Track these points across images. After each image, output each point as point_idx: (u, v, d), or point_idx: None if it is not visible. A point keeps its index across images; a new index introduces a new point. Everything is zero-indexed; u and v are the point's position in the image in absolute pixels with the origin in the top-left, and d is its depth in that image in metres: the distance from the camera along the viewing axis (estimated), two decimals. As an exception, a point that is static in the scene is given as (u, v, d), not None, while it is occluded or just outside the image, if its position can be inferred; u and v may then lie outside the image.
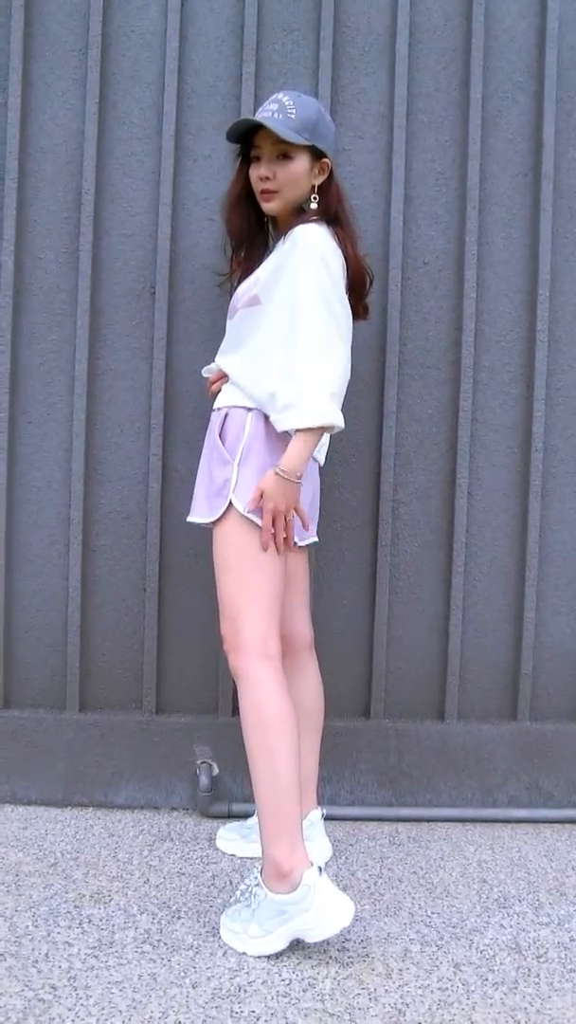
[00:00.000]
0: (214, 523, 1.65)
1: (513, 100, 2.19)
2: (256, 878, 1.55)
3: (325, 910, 1.47)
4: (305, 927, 1.48)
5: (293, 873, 1.48)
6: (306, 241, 1.59)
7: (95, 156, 2.13)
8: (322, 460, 1.81)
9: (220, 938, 1.55)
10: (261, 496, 1.57)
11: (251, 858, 1.89)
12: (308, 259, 1.58)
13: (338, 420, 1.56)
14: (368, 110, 2.18)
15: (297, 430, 1.55)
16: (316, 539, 1.87)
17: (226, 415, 1.68)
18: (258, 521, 1.59)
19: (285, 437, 1.62)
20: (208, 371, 1.87)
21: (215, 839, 1.98)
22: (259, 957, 1.50)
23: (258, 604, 1.61)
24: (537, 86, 2.19)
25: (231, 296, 1.78)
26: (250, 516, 1.59)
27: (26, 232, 2.16)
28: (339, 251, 1.64)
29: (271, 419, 1.62)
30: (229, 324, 1.75)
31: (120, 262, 2.17)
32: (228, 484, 1.62)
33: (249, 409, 1.65)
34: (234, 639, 1.61)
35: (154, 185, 2.16)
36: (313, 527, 1.84)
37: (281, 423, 1.58)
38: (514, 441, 2.23)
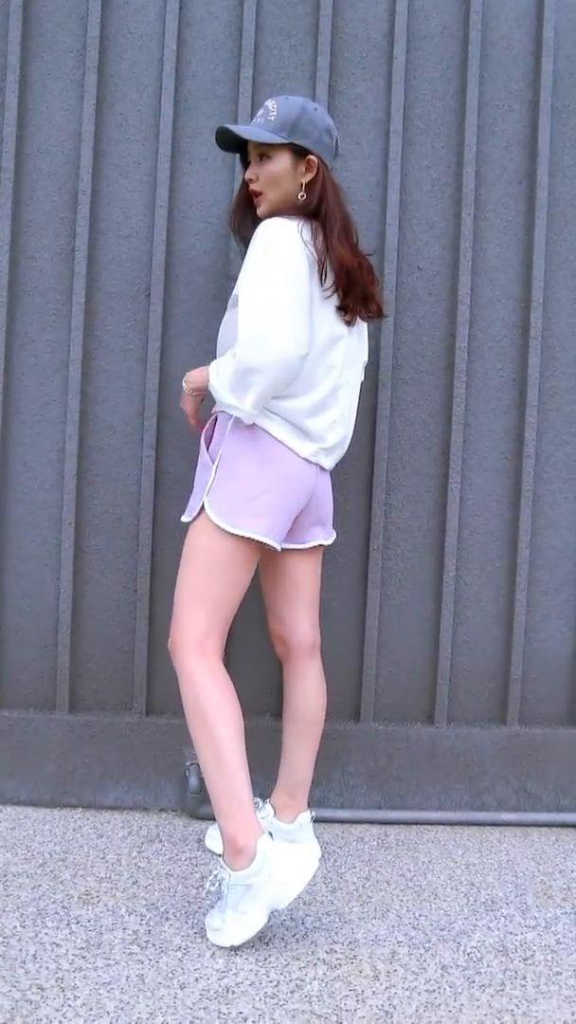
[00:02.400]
0: (191, 522, 1.68)
1: (509, 108, 2.21)
2: (219, 863, 1.58)
3: (286, 872, 1.52)
4: (273, 894, 1.52)
5: (248, 846, 1.52)
6: (263, 234, 1.59)
7: (92, 157, 2.14)
8: (329, 465, 1.79)
9: (208, 941, 1.55)
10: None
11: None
12: (253, 251, 1.59)
13: (221, 397, 1.61)
14: (365, 116, 2.19)
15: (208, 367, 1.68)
16: (324, 542, 1.86)
17: (215, 419, 1.71)
18: (229, 528, 1.61)
19: (266, 442, 1.64)
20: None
21: (203, 840, 1.98)
22: (247, 956, 1.50)
23: (204, 606, 1.64)
24: (533, 94, 2.21)
25: None
26: (219, 522, 1.60)
27: (22, 232, 2.16)
28: (303, 242, 1.59)
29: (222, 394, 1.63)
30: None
31: (115, 264, 2.17)
32: (205, 486, 1.65)
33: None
34: (175, 634, 1.64)
35: (151, 187, 2.17)
36: (320, 531, 1.84)
37: (219, 405, 1.65)
38: (506, 446, 2.24)
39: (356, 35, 2.18)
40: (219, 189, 2.16)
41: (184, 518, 1.70)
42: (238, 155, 1.77)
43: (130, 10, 2.16)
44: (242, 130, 1.65)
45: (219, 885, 1.57)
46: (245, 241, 1.79)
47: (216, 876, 1.58)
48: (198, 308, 2.17)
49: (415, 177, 2.20)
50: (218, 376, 1.62)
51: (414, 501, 2.23)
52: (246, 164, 1.75)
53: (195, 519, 1.67)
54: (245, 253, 1.77)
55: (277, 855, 1.54)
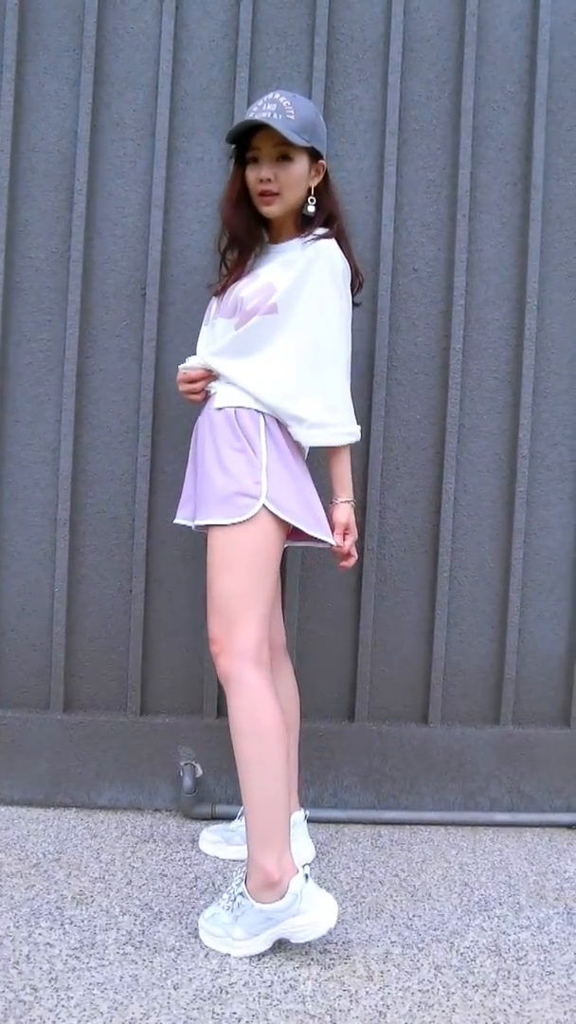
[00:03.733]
0: (232, 524, 1.59)
1: (504, 110, 2.21)
2: (240, 885, 1.54)
3: (312, 914, 1.49)
4: (292, 930, 1.49)
5: (282, 882, 1.48)
6: (331, 259, 1.65)
7: (87, 156, 2.13)
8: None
9: (200, 940, 1.56)
10: (345, 530, 1.74)
11: (234, 860, 1.89)
12: (335, 281, 1.65)
13: (354, 429, 1.73)
14: (361, 117, 2.19)
15: (335, 448, 1.72)
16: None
17: (235, 415, 1.66)
18: (298, 524, 1.63)
19: (294, 442, 1.68)
20: (189, 368, 1.78)
21: (198, 840, 1.98)
22: (242, 958, 1.50)
23: (257, 610, 1.59)
24: (528, 96, 2.21)
25: (220, 295, 1.77)
26: (280, 515, 1.60)
27: (17, 231, 2.16)
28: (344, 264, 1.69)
29: (295, 432, 1.66)
30: (225, 324, 1.71)
31: (111, 263, 2.17)
32: (259, 486, 1.59)
33: (259, 412, 1.65)
34: (227, 642, 1.58)
35: (146, 186, 2.16)
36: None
37: (312, 439, 1.68)
38: (501, 447, 2.25)
39: (352, 36, 2.18)
40: (215, 189, 2.16)
41: (210, 520, 1.61)
42: (232, 146, 1.70)
43: (127, 9, 2.15)
44: (283, 129, 1.59)
45: (235, 902, 1.53)
46: (239, 240, 1.74)
47: (233, 894, 1.54)
48: (193, 307, 2.16)
49: (410, 178, 2.21)
50: (353, 435, 1.74)
51: (408, 502, 2.23)
52: (238, 159, 1.70)
53: (238, 524, 1.59)
54: (229, 251, 1.76)
55: (308, 897, 1.49)
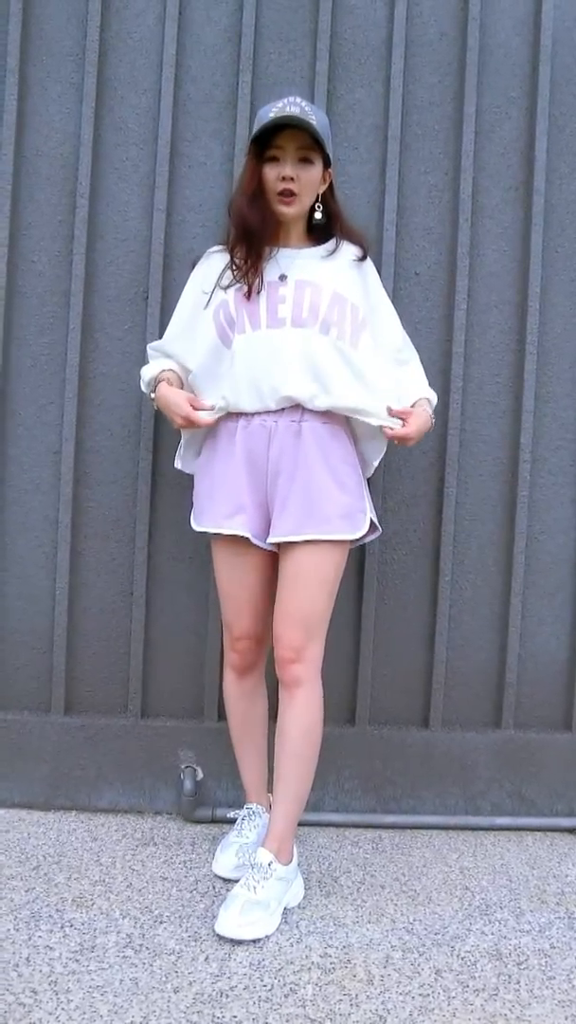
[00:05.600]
0: (348, 540, 1.72)
1: (506, 115, 2.22)
2: (267, 855, 1.66)
3: (299, 879, 1.78)
4: (292, 893, 1.72)
5: (292, 852, 1.74)
6: (376, 274, 1.87)
7: (90, 160, 2.14)
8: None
9: (218, 935, 1.57)
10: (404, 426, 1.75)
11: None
12: (378, 282, 1.87)
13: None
14: (363, 121, 2.20)
15: (427, 399, 1.86)
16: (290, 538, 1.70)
17: (341, 428, 1.76)
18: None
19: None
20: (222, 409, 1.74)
21: (197, 844, 1.98)
22: (240, 949, 1.54)
23: (327, 625, 1.74)
24: (530, 102, 2.22)
25: (248, 299, 1.70)
26: (376, 521, 1.80)
27: (20, 235, 2.17)
28: None
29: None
30: (298, 334, 1.70)
31: (113, 267, 2.18)
32: (365, 501, 1.75)
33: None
34: (305, 651, 1.69)
35: (149, 190, 2.17)
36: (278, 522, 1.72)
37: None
38: (502, 452, 2.25)
39: (355, 41, 2.19)
40: (217, 193, 2.17)
41: (332, 536, 1.67)
42: (247, 149, 1.70)
43: (130, 14, 2.16)
44: (316, 129, 1.63)
45: (267, 872, 1.64)
46: (256, 237, 1.69)
47: (262, 866, 1.65)
48: (196, 311, 2.17)
49: (412, 183, 2.21)
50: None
51: (410, 505, 2.23)
52: (258, 155, 1.68)
53: (351, 542, 1.74)
54: (247, 250, 1.72)
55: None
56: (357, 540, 1.76)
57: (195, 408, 1.75)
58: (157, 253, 2.15)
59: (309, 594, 1.68)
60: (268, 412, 1.71)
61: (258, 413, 1.71)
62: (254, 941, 1.57)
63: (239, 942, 1.56)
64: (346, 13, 2.19)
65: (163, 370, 1.84)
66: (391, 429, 1.72)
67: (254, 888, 1.62)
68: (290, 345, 1.69)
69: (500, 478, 2.25)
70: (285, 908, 1.69)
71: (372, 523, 1.76)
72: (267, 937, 1.58)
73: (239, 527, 1.72)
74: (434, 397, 1.88)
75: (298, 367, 1.68)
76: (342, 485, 1.69)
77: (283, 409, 1.70)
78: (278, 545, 1.72)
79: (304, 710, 1.69)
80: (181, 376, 1.85)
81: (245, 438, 1.72)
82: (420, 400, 1.83)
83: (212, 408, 1.75)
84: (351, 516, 1.69)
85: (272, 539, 1.71)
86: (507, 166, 2.22)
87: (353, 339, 1.73)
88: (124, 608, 2.20)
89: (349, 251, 1.80)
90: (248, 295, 1.71)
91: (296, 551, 1.68)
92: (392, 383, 1.79)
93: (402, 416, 1.75)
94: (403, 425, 1.74)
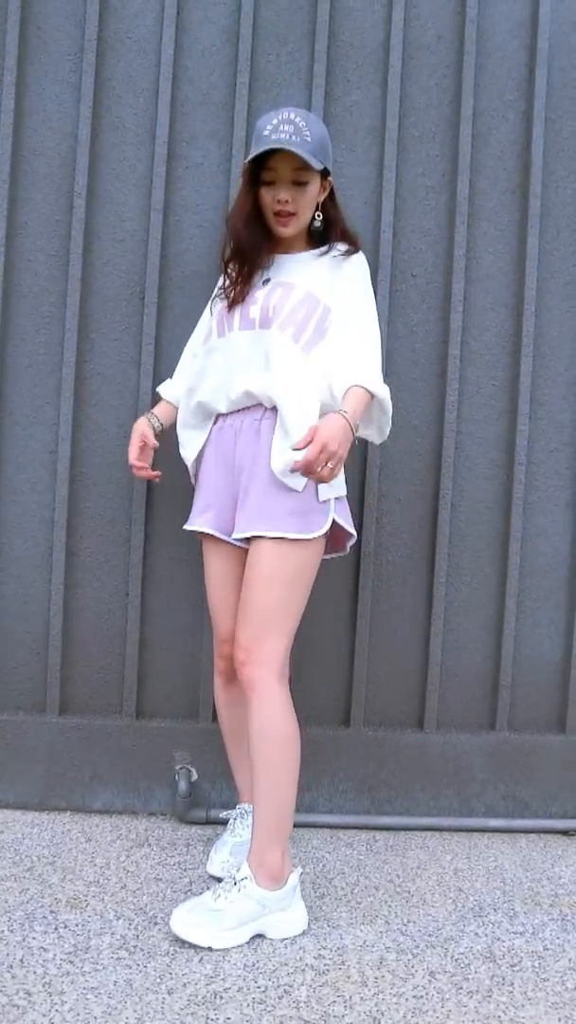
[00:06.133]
0: (300, 539, 1.64)
1: (503, 117, 2.22)
2: (244, 870, 1.60)
3: (296, 913, 1.63)
4: (275, 923, 1.59)
5: (282, 876, 1.61)
6: (358, 266, 1.75)
7: (87, 160, 2.14)
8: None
9: (173, 933, 1.55)
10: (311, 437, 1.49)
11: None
12: (361, 282, 1.74)
13: (385, 397, 1.67)
14: (360, 123, 2.20)
15: (361, 387, 1.60)
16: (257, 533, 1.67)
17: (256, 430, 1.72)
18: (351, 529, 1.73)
19: None
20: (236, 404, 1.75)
21: (192, 846, 1.98)
22: (227, 954, 1.52)
23: (290, 625, 1.67)
24: (527, 104, 2.22)
25: (230, 311, 1.75)
26: (344, 524, 1.71)
27: (17, 234, 2.16)
28: None
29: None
30: (257, 336, 1.71)
31: (110, 266, 2.18)
32: (329, 503, 1.68)
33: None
34: (257, 651, 1.62)
35: (146, 191, 2.17)
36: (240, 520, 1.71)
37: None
38: (498, 454, 2.25)
39: (352, 43, 2.19)
40: (214, 193, 2.17)
41: (281, 533, 1.62)
42: (241, 161, 1.73)
43: (127, 14, 2.16)
44: (308, 158, 1.61)
45: (233, 888, 1.58)
46: (248, 258, 1.73)
47: (236, 880, 1.59)
48: (192, 312, 2.16)
49: (409, 185, 2.21)
50: (382, 389, 1.64)
51: (405, 507, 2.23)
52: (254, 178, 1.69)
53: (302, 538, 1.64)
54: (240, 268, 1.75)
55: (297, 896, 1.64)
56: (338, 550, 1.78)
57: (138, 460, 1.88)
58: (154, 253, 2.15)
59: (260, 593, 1.64)
60: (236, 412, 1.76)
61: (231, 413, 1.77)
62: (193, 945, 1.53)
63: (193, 945, 1.54)
64: (344, 15, 2.19)
65: (162, 399, 1.96)
66: (296, 462, 1.52)
67: (217, 895, 1.58)
68: (250, 345, 1.73)
69: (496, 480, 2.25)
70: (260, 936, 1.59)
71: (343, 527, 1.71)
72: (210, 949, 1.52)
73: (204, 524, 1.78)
74: (375, 386, 1.61)
75: (252, 365, 1.72)
76: (275, 486, 1.65)
77: (248, 408, 1.74)
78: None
79: (257, 713, 1.61)
80: (174, 403, 1.94)
81: (217, 437, 1.79)
82: (351, 391, 1.59)
83: (155, 475, 1.90)
84: (305, 515, 1.64)
85: (232, 536, 1.74)
86: (504, 168, 2.23)
87: (312, 340, 1.68)
88: (119, 608, 2.19)
89: (337, 249, 1.77)
90: (230, 307, 1.76)
91: (253, 550, 1.68)
92: (326, 393, 1.67)
93: (307, 441, 1.50)
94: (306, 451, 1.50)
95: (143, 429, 1.89)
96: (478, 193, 2.23)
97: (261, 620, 1.63)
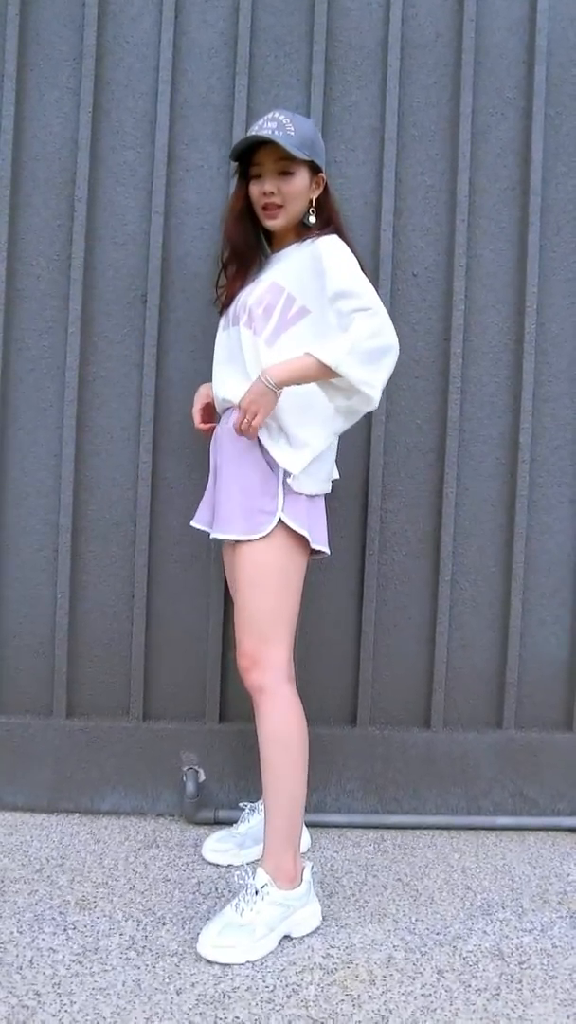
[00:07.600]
0: (255, 540, 1.63)
1: (502, 115, 2.22)
2: (262, 877, 1.60)
3: (314, 907, 1.66)
4: (297, 922, 1.61)
5: (297, 876, 1.63)
6: (330, 248, 1.64)
7: (88, 164, 2.15)
8: (326, 489, 1.77)
9: (204, 958, 1.51)
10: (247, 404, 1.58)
11: (249, 864, 1.85)
12: (336, 257, 1.63)
13: (353, 374, 1.55)
14: (360, 123, 2.20)
15: (308, 354, 1.56)
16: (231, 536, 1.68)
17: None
18: (316, 545, 1.69)
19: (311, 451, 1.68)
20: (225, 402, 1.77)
21: (200, 846, 1.98)
22: (244, 963, 1.51)
23: (286, 625, 1.67)
24: (526, 102, 2.22)
25: (226, 308, 1.79)
26: (293, 525, 1.63)
27: (18, 239, 2.17)
28: None
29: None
30: (235, 332, 1.72)
31: (112, 270, 2.18)
32: (276, 501, 1.64)
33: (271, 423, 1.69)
34: (260, 657, 1.64)
35: (147, 194, 2.18)
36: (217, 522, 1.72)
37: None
38: (501, 451, 2.25)
39: (350, 43, 2.19)
40: (215, 196, 2.17)
41: (230, 536, 1.63)
42: (235, 163, 1.75)
43: (126, 18, 2.17)
44: (286, 143, 1.61)
45: (256, 897, 1.57)
46: (239, 253, 1.77)
47: (256, 888, 1.58)
48: (194, 314, 2.17)
49: (409, 183, 2.21)
50: (346, 354, 1.54)
51: (410, 506, 2.23)
52: (242, 175, 1.73)
53: (261, 539, 1.62)
54: (229, 265, 1.79)
55: (312, 889, 1.67)
56: (315, 554, 1.73)
57: (202, 424, 1.90)
58: (155, 256, 2.16)
59: (243, 597, 1.66)
60: (225, 412, 1.79)
61: (223, 412, 1.81)
62: (226, 965, 1.50)
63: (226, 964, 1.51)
64: (342, 15, 2.19)
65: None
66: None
67: (241, 911, 1.57)
68: (226, 343, 1.77)
69: (499, 478, 2.25)
70: (288, 937, 1.60)
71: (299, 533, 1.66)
72: (250, 962, 1.51)
73: (198, 520, 1.85)
74: (322, 353, 1.55)
75: (230, 363, 1.75)
76: (243, 486, 1.65)
77: (229, 409, 1.76)
78: None
79: (266, 718, 1.63)
80: None
81: (212, 439, 1.84)
82: (297, 357, 1.59)
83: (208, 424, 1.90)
84: (249, 517, 1.63)
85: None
86: (503, 166, 2.23)
87: (276, 331, 1.66)
88: (125, 611, 2.20)
89: (312, 236, 1.72)
90: (220, 311, 1.82)
91: (233, 554, 1.70)
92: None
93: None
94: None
95: (202, 391, 1.92)
96: (478, 191, 2.22)
97: (252, 625, 1.65)
